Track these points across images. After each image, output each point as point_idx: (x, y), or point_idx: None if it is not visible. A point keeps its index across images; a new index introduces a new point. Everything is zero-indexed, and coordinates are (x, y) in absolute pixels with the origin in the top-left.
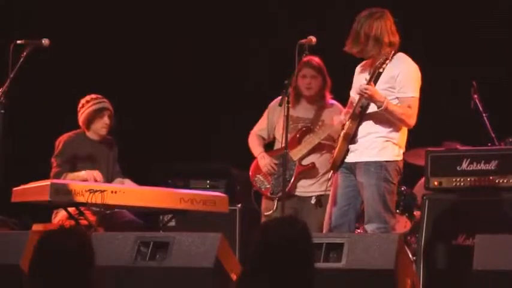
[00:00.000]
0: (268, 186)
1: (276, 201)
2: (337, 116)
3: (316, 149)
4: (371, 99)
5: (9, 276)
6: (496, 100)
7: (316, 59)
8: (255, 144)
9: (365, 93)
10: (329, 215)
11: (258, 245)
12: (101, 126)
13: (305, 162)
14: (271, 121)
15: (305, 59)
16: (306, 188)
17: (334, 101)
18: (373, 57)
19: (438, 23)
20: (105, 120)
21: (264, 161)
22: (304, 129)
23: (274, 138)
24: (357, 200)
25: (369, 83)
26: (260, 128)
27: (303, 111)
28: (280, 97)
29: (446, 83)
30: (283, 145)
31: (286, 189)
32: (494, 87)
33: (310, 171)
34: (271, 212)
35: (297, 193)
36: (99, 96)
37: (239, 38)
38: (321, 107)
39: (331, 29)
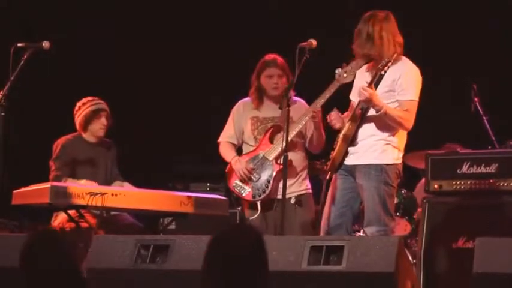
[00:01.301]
0: (249, 190)
1: (258, 205)
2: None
3: (290, 147)
4: (370, 103)
5: (9, 279)
6: (496, 103)
7: (279, 58)
8: (227, 150)
9: (363, 95)
10: (327, 215)
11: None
12: (99, 127)
13: (281, 160)
14: (238, 125)
15: (268, 57)
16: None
17: (297, 98)
18: (375, 60)
19: (438, 24)
20: (102, 121)
21: (239, 165)
22: (273, 128)
23: (242, 142)
24: (355, 201)
25: (369, 85)
26: (228, 134)
27: (269, 111)
28: (241, 101)
29: (447, 86)
30: (254, 147)
31: (267, 192)
32: (494, 90)
33: (288, 170)
34: (255, 216)
35: (278, 196)
36: (95, 98)
37: (239, 38)
38: (286, 105)
39: (331, 30)
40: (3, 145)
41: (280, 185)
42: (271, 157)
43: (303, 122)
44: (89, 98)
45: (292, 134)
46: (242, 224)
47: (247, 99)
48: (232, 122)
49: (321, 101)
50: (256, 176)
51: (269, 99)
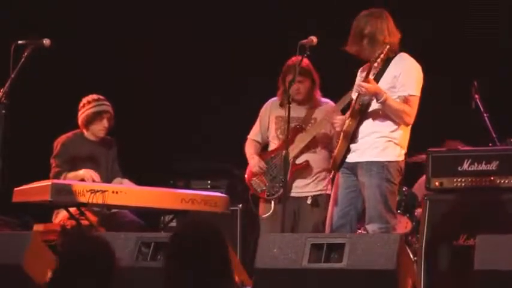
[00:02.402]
0: (264, 188)
1: (272, 203)
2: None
3: (310, 146)
4: (369, 93)
5: (11, 277)
6: (497, 100)
7: (303, 61)
8: (248, 148)
9: (360, 89)
10: (331, 215)
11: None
12: (99, 129)
13: (299, 160)
14: (264, 124)
15: (290, 62)
16: (302, 188)
17: (325, 99)
18: (371, 57)
19: (439, 19)
20: (104, 123)
21: (253, 161)
22: (296, 128)
23: (268, 140)
24: (358, 200)
25: (365, 79)
26: (254, 133)
27: (294, 110)
28: (270, 100)
29: (447, 83)
30: (276, 146)
31: (281, 191)
32: (495, 87)
33: (304, 170)
34: (268, 214)
35: (292, 194)
36: (101, 97)
37: (239, 36)
38: (312, 106)
39: (331, 28)
40: (4, 142)
41: (295, 184)
42: (290, 156)
43: (326, 125)
44: (94, 97)
45: (312, 134)
46: (197, 220)
47: (275, 98)
48: (259, 121)
49: (342, 103)
50: (273, 174)
51: (295, 101)
